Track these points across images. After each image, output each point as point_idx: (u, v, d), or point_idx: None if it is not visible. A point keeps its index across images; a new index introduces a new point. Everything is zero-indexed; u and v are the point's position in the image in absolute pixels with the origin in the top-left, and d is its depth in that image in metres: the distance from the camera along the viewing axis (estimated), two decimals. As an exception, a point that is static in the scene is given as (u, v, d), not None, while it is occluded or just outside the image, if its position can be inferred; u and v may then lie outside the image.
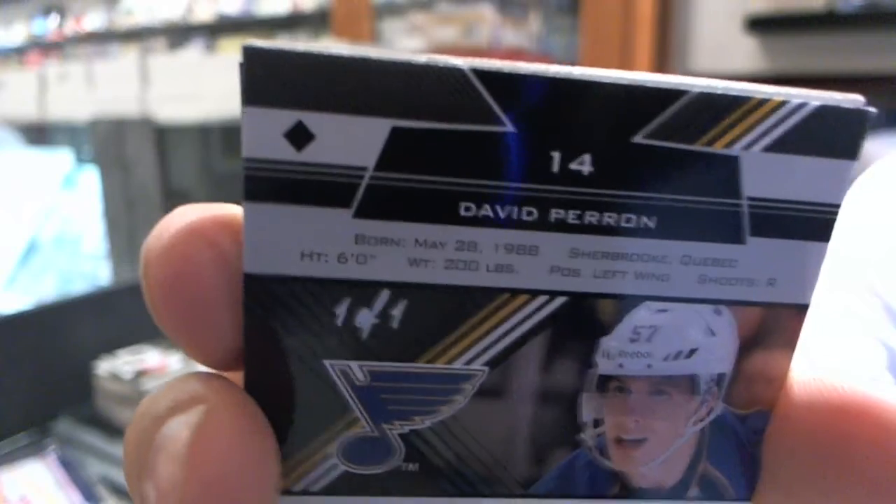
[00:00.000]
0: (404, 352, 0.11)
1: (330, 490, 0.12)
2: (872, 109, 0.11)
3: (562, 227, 0.11)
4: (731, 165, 0.11)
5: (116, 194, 1.46)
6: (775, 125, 0.11)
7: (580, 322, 0.12)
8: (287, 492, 0.12)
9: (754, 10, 1.29)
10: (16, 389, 0.94)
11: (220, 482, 0.10)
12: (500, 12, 1.48)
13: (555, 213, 0.11)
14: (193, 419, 0.11)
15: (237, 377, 0.12)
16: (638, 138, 0.11)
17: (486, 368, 0.12)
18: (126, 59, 1.94)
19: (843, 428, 0.12)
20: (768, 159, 0.11)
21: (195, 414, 0.11)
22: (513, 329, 0.12)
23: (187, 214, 0.11)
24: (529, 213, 0.11)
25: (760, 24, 1.29)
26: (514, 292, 0.11)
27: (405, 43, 1.52)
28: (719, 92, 0.11)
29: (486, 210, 0.11)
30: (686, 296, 0.12)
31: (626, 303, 0.12)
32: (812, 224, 0.12)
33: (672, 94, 0.11)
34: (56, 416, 0.96)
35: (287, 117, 0.10)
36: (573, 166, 0.11)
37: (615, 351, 0.12)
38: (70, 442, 0.92)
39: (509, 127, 0.10)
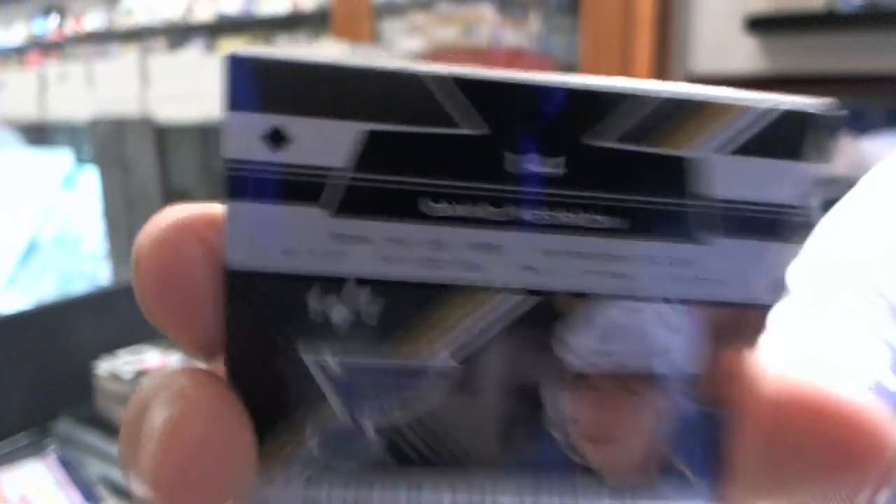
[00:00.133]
0: (379, 346, 0.12)
1: (308, 481, 0.12)
2: (840, 113, 0.11)
3: (527, 226, 0.12)
4: (694, 167, 0.11)
5: (116, 194, 1.46)
6: (742, 129, 0.11)
7: (550, 320, 0.12)
8: (264, 482, 0.12)
9: (754, 10, 1.29)
10: (16, 389, 0.94)
11: (193, 467, 0.11)
12: (500, 12, 1.48)
13: (517, 213, 0.11)
14: (173, 408, 0.11)
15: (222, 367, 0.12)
16: (589, 140, 0.11)
17: (459, 365, 0.12)
18: (126, 59, 1.94)
19: (801, 424, 0.12)
20: (734, 162, 0.11)
21: (175, 404, 0.11)
22: (485, 326, 0.12)
23: (178, 211, 0.12)
24: (493, 213, 0.11)
25: (760, 24, 1.29)
26: (484, 289, 0.12)
27: (405, 43, 1.52)
28: (679, 96, 0.11)
29: (454, 209, 0.11)
30: (654, 295, 0.12)
31: (595, 302, 0.12)
32: (777, 225, 0.12)
33: (620, 98, 0.11)
34: (56, 416, 0.96)
35: (265, 121, 0.11)
36: (532, 167, 0.11)
37: (585, 349, 0.12)
38: (70, 442, 0.92)
39: (467, 130, 0.11)
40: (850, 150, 1.06)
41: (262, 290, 0.11)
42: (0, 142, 1.71)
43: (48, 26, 2.84)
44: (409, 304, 0.12)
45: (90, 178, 1.53)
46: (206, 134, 1.45)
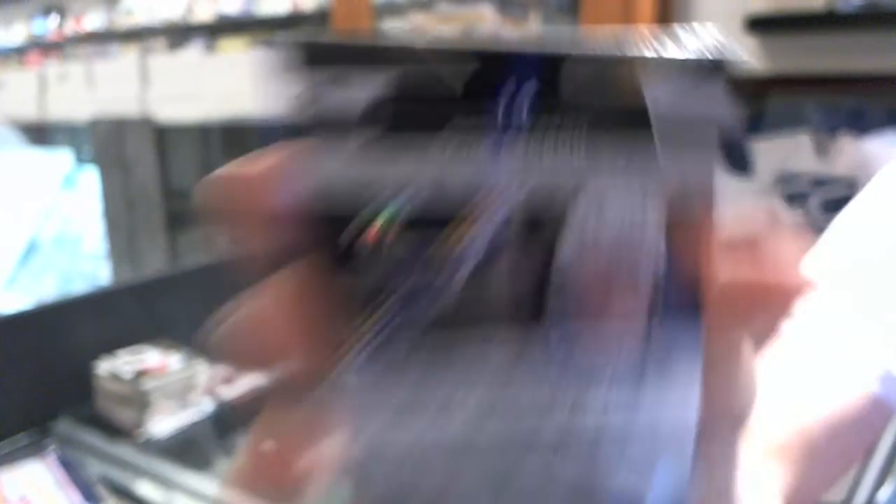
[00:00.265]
0: (425, 235, 0.14)
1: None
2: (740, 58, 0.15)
3: (518, 140, 0.14)
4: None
5: (116, 194, 1.46)
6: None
7: (541, 219, 0.14)
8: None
9: (754, 10, 1.29)
10: (16, 389, 0.94)
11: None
12: (500, 12, 1.48)
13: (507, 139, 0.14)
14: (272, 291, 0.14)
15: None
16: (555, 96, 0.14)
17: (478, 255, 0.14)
18: (126, 59, 1.94)
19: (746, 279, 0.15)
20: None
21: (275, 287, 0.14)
22: (490, 225, 0.14)
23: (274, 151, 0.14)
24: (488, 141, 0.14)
25: (760, 24, 1.29)
26: (487, 195, 0.14)
27: (405, 43, 1.52)
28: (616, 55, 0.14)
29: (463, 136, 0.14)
30: (617, 173, 0.15)
31: (570, 193, 0.14)
32: (704, 133, 0.15)
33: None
34: (56, 416, 0.96)
35: (304, 81, 0.14)
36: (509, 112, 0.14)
37: (569, 246, 0.14)
38: (70, 442, 0.92)
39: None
40: (851, 149, 1.06)
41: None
42: (0, 142, 1.71)
43: (48, 26, 2.84)
44: (439, 206, 0.14)
45: (90, 178, 1.53)
46: (206, 134, 1.45)
